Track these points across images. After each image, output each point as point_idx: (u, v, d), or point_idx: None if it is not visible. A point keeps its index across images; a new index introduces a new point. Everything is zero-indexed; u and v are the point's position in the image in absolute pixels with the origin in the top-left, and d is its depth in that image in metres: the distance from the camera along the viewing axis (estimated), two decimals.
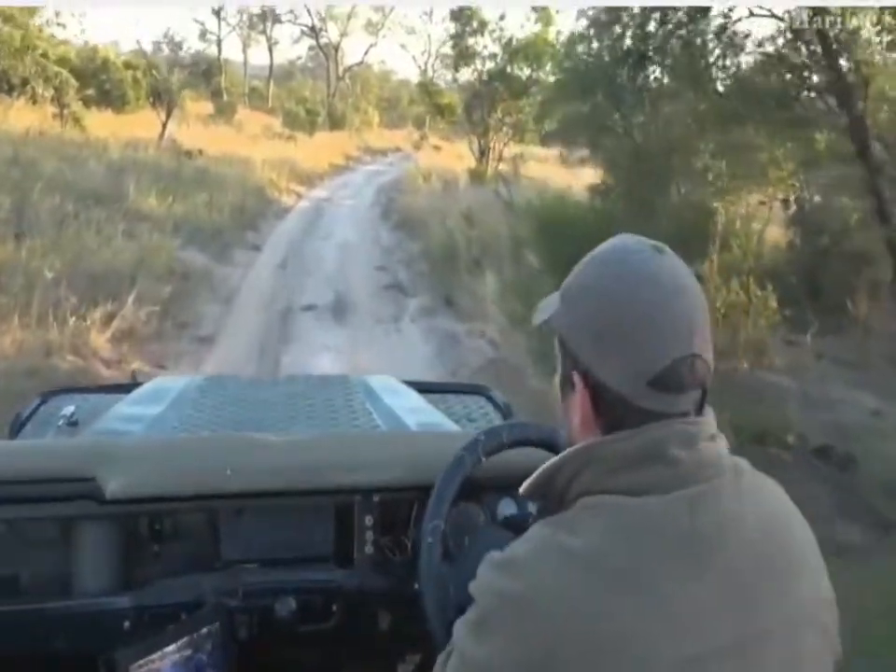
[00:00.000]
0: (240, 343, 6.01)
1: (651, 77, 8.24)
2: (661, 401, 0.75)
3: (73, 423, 1.72)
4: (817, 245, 7.46)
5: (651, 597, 0.69)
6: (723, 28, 7.16)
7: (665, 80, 8.31)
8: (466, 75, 18.05)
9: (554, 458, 0.81)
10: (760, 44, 7.27)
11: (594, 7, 8.63)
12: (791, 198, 8.34)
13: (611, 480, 0.75)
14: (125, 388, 2.03)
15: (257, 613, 1.17)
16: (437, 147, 28.24)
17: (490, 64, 17.39)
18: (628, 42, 7.76)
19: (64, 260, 6.57)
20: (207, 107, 25.70)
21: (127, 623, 1.14)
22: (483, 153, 17.68)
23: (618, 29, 7.93)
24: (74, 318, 5.27)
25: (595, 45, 8.85)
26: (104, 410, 1.74)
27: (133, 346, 5.45)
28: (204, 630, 1.12)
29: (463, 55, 17.63)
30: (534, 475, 0.83)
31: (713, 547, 0.72)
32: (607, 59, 8.21)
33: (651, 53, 7.72)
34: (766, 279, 6.75)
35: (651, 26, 7.53)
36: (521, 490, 0.85)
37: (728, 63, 7.30)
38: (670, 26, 7.27)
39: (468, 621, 0.75)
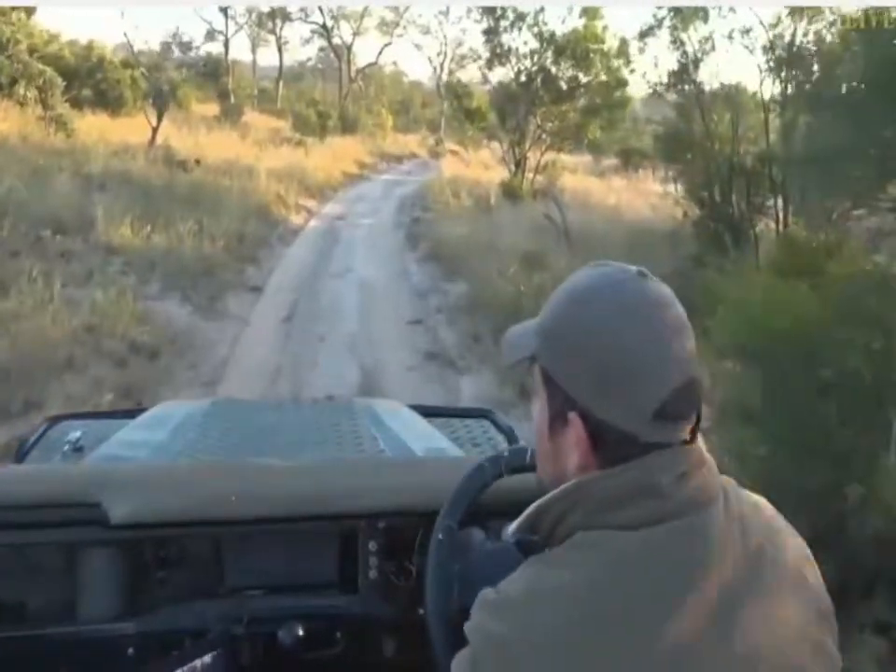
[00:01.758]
0: None
1: None
2: (665, 432, 0.73)
3: (78, 448, 1.72)
4: None
5: (639, 634, 0.67)
6: None
7: None
8: (499, 75, 15.93)
9: (544, 498, 0.79)
10: None
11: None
12: None
13: (601, 518, 0.73)
14: (130, 414, 2.01)
15: (261, 640, 1.17)
16: (454, 153, 26.35)
17: (527, 63, 15.24)
18: None
19: None
20: (213, 109, 23.80)
21: (131, 650, 1.15)
22: (517, 164, 15.53)
23: None
24: None
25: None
26: (109, 435, 1.73)
27: None
28: (209, 657, 1.12)
29: (497, 53, 15.49)
30: (524, 514, 0.82)
31: (704, 577, 0.70)
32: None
33: None
34: None
35: None
36: (510, 529, 0.86)
37: None
38: None
39: (462, 658, 0.73)
